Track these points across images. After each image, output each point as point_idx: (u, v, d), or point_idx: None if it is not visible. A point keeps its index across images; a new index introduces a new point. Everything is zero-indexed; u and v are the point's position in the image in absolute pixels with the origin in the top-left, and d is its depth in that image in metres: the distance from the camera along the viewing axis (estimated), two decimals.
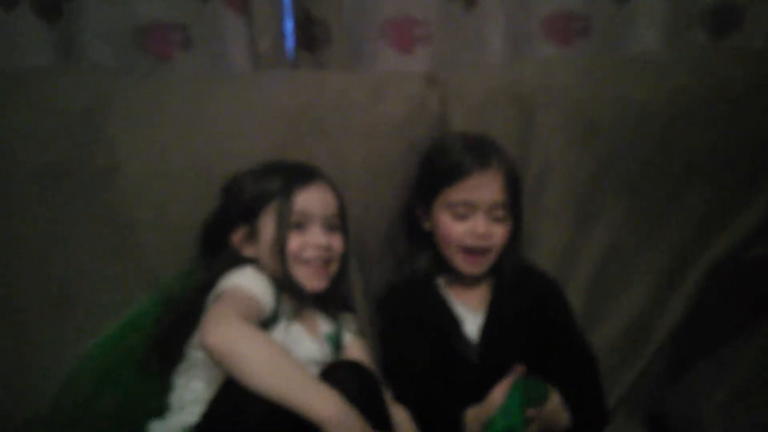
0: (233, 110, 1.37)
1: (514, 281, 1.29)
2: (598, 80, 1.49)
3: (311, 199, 1.18)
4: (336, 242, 1.20)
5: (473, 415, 1.14)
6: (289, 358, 0.99)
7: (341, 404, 0.95)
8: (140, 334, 1.17)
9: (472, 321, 1.27)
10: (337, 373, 1.02)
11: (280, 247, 1.15)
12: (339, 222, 1.22)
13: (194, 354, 1.13)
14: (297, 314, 1.19)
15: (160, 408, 1.13)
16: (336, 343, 1.23)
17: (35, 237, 1.27)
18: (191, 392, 1.11)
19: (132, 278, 1.27)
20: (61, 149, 1.29)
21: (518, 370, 1.11)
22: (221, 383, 1.01)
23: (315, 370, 1.03)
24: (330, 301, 1.24)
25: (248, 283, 1.12)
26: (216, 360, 0.99)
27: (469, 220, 1.26)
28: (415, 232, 1.35)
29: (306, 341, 1.16)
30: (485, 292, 1.31)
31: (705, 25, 1.72)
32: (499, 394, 1.10)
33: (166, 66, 1.59)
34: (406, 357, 1.23)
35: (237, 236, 1.20)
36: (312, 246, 1.17)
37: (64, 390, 1.17)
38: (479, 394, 1.13)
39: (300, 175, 1.20)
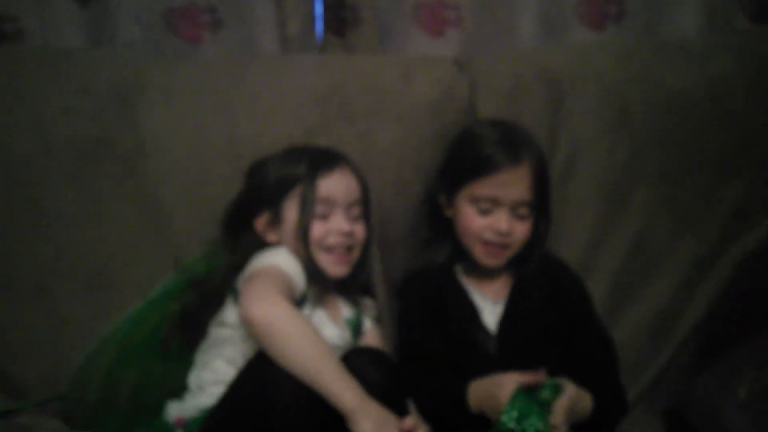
0: (262, 93, 1.38)
1: (535, 273, 1.27)
2: (632, 66, 1.46)
3: (335, 186, 1.18)
4: (359, 229, 1.20)
5: (476, 388, 1.12)
6: (324, 342, 1.00)
7: (363, 396, 0.95)
8: (161, 315, 1.19)
9: (490, 311, 1.26)
10: (357, 361, 1.02)
11: (303, 233, 1.15)
12: (362, 208, 1.22)
13: (217, 332, 1.15)
14: (320, 299, 1.19)
15: (178, 389, 1.15)
16: (356, 328, 1.23)
17: (66, 215, 1.29)
18: (212, 372, 1.12)
19: (161, 258, 1.29)
20: (93, 130, 1.32)
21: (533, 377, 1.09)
22: (246, 363, 1.03)
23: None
24: (351, 287, 1.24)
25: (284, 263, 1.13)
26: (254, 333, 1.00)
27: (492, 216, 1.23)
28: (436, 219, 1.33)
29: (328, 327, 1.17)
30: (505, 283, 1.29)
31: (745, 9, 1.67)
32: (511, 381, 1.08)
33: (196, 48, 1.59)
34: (423, 345, 1.23)
35: (260, 221, 1.20)
36: (335, 232, 1.17)
37: (82, 370, 1.19)
38: None
39: (324, 160, 1.20)
